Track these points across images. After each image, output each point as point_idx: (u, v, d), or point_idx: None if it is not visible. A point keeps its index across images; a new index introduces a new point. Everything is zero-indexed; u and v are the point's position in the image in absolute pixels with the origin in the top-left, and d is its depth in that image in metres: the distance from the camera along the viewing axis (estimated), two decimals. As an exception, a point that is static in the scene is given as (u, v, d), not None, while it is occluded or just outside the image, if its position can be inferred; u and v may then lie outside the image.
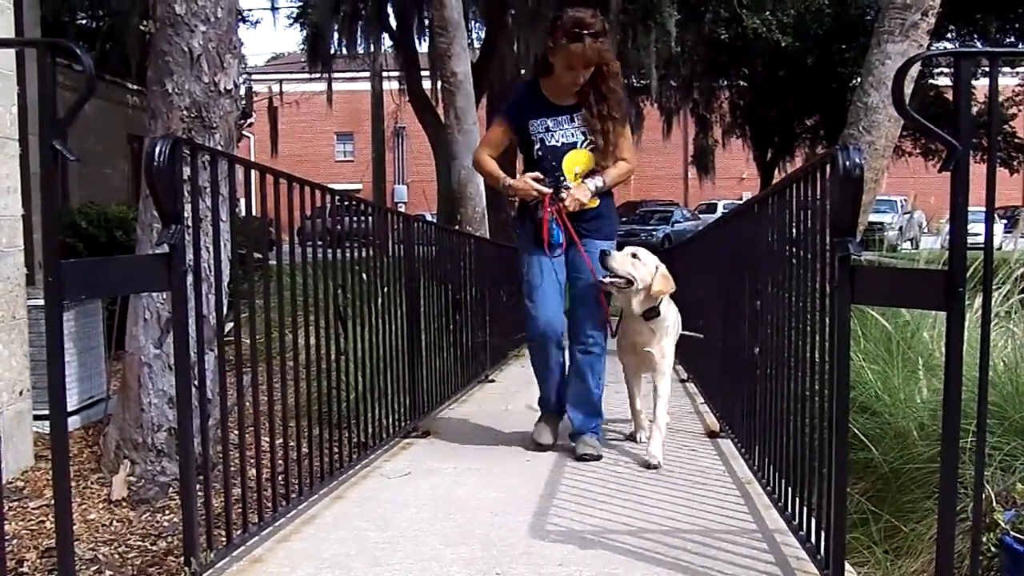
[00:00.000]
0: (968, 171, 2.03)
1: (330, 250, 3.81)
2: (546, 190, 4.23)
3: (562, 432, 4.54)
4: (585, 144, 4.31)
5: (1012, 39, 19.31)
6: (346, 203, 4.23)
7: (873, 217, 9.66)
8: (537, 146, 4.33)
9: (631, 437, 4.72)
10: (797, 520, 2.86)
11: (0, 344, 4.40)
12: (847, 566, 2.50)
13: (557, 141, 4.31)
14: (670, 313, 4.37)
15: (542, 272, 4.33)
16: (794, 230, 2.97)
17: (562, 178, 4.28)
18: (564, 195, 4.22)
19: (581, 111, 4.30)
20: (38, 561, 3.57)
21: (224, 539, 2.79)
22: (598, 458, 4.22)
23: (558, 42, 4.14)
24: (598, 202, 4.35)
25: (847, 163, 2.27)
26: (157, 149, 2.30)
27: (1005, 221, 17.31)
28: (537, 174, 4.29)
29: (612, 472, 3.99)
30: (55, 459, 2.11)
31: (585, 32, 4.08)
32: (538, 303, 4.33)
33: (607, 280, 4.12)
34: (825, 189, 2.53)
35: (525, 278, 4.40)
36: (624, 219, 33.50)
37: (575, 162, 4.32)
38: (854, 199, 2.31)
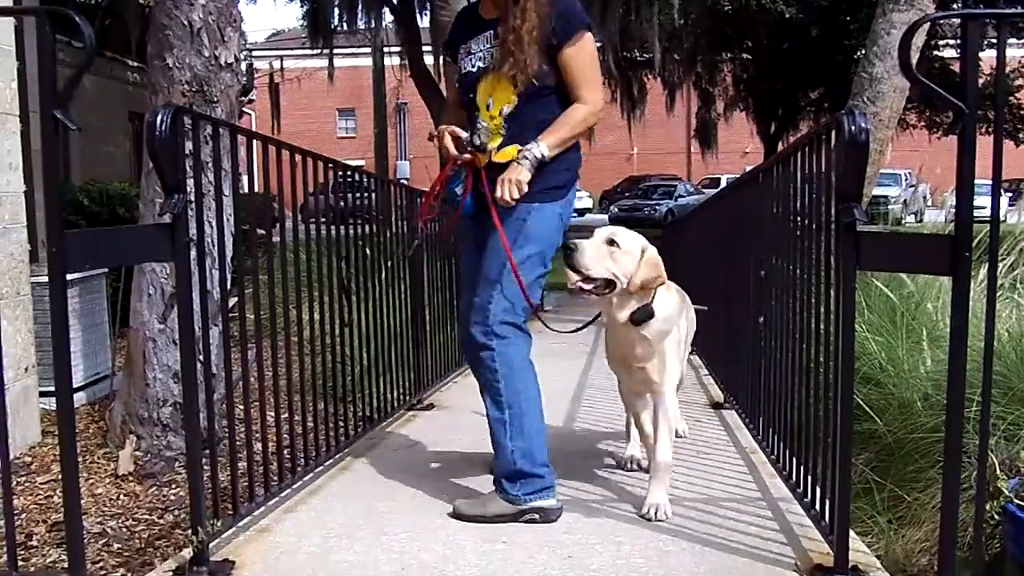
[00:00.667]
0: (975, 135, 2.01)
1: (334, 224, 3.80)
2: (454, 152, 3.15)
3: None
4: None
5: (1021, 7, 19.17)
6: (350, 175, 4.22)
7: (877, 191, 9.64)
8: (468, 79, 3.21)
9: (622, 464, 3.67)
10: (802, 488, 2.87)
11: (5, 320, 4.40)
12: (851, 533, 2.50)
13: (473, 65, 3.19)
14: (668, 306, 3.15)
15: (466, 261, 3.35)
16: (799, 198, 2.96)
17: (479, 124, 3.14)
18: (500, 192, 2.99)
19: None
20: (47, 535, 3.59)
21: (231, 510, 2.80)
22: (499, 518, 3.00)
23: None
24: (517, 151, 3.04)
25: (852, 128, 2.25)
26: (159, 118, 2.30)
27: (1011, 194, 17.27)
28: (454, 128, 3.18)
29: (617, 442, 4.00)
30: (62, 428, 2.12)
31: None
32: (464, 299, 3.29)
33: (580, 287, 2.99)
34: (830, 156, 2.52)
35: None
36: (627, 194, 33.51)
37: (487, 92, 3.14)
38: (859, 165, 2.30)
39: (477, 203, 3.14)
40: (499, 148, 3.10)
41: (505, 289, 3.01)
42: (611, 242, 3.01)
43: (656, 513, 2.97)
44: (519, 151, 3.01)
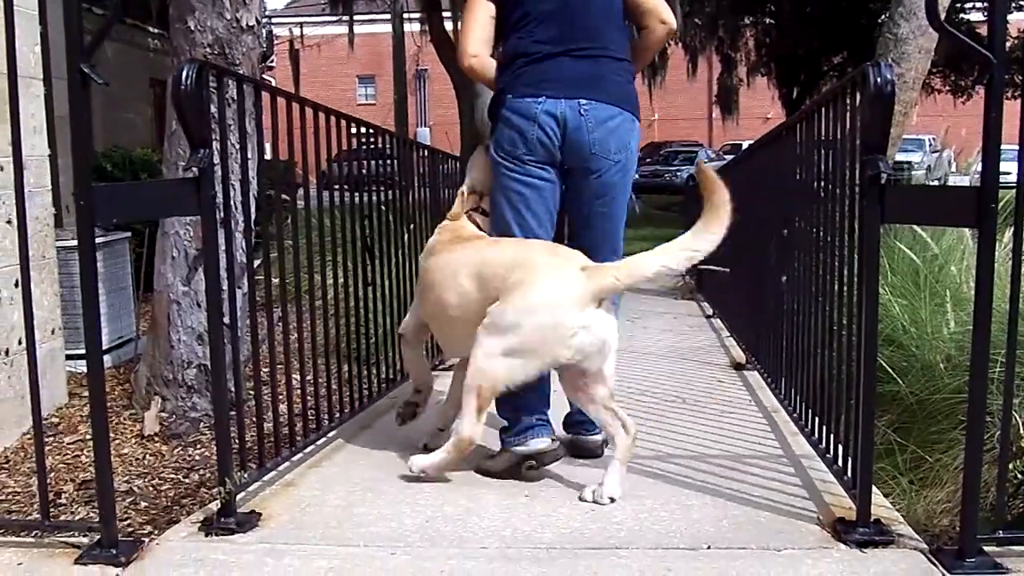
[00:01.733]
0: (1003, 85, 2.00)
1: (357, 187, 3.81)
2: None
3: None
4: None
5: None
6: (372, 134, 4.21)
7: (901, 156, 9.55)
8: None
9: None
10: (824, 445, 2.87)
11: (32, 284, 4.44)
12: (873, 488, 2.51)
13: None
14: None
15: None
16: (824, 152, 2.94)
17: None
18: None
19: None
20: (75, 493, 3.65)
21: (256, 465, 2.84)
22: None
23: None
24: None
25: (878, 79, 2.23)
26: (184, 73, 2.30)
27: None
28: None
29: (638, 402, 4.01)
30: (91, 378, 2.15)
31: None
32: None
33: None
34: (855, 108, 2.50)
35: None
36: (648, 160, 33.35)
37: None
38: (885, 117, 2.28)
39: None
40: None
41: None
42: None
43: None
44: None
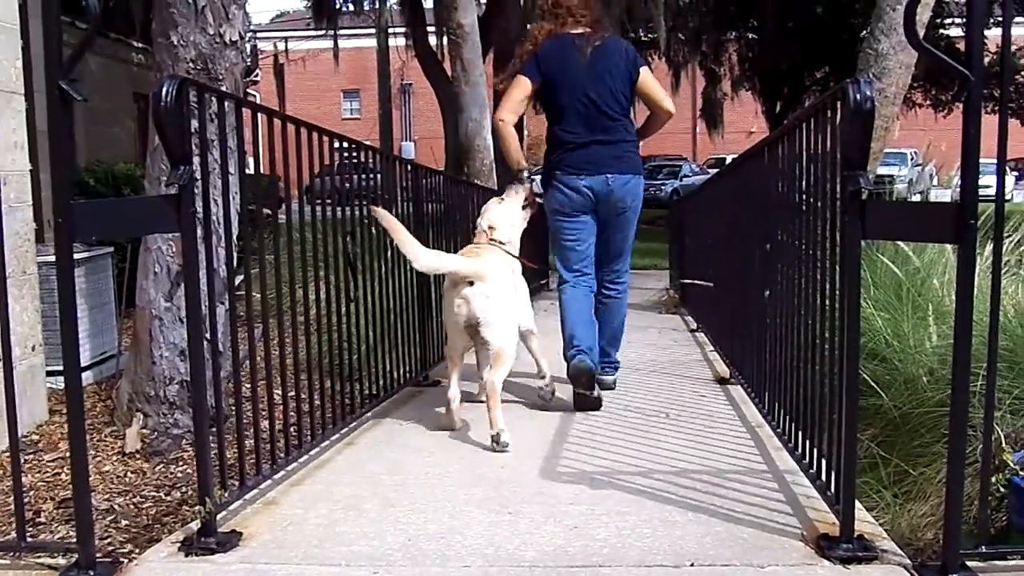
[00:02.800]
0: (980, 103, 2.01)
1: (340, 200, 3.80)
2: None
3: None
4: None
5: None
6: (355, 149, 4.20)
7: (883, 170, 9.59)
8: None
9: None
10: (807, 460, 2.87)
11: (11, 299, 4.40)
12: (856, 503, 2.51)
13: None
14: None
15: None
16: (804, 166, 2.95)
17: None
18: None
19: None
20: (55, 512, 3.61)
21: (238, 484, 2.82)
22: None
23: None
24: None
25: (858, 96, 2.24)
26: (164, 89, 2.29)
27: (1016, 173, 17.21)
28: None
29: (622, 418, 4.01)
30: (69, 396, 2.13)
31: None
32: None
33: None
34: (836, 124, 2.51)
35: None
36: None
37: None
38: (865, 133, 2.29)
39: None
40: None
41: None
42: None
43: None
44: None
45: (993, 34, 2.44)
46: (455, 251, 5.41)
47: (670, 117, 4.63)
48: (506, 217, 4.33)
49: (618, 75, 4.43)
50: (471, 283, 3.85)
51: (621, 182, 4.43)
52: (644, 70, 4.52)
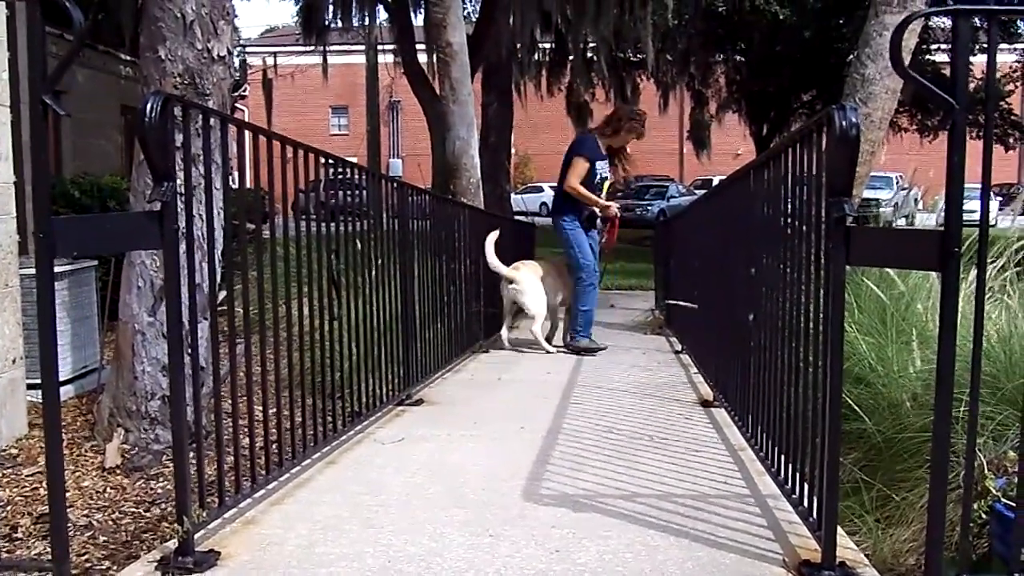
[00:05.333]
0: (965, 131, 2.02)
1: (325, 219, 3.79)
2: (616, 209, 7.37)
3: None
4: None
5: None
6: (341, 168, 4.20)
7: (868, 193, 9.64)
8: (597, 178, 7.02)
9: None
10: (790, 485, 2.87)
11: (-8, 311, 4.38)
12: (839, 529, 2.51)
13: (606, 175, 7.15)
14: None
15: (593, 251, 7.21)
16: (790, 191, 2.96)
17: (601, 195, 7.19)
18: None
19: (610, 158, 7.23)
20: (32, 527, 3.58)
21: (217, 503, 2.79)
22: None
23: (633, 127, 7.13)
24: None
25: (843, 123, 2.25)
26: (149, 105, 2.28)
27: (1000, 198, 17.29)
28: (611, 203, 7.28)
29: (605, 440, 4.00)
30: (47, 410, 2.11)
31: (643, 124, 7.18)
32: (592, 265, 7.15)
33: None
34: (821, 150, 2.52)
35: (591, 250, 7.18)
36: (619, 194, 33.46)
37: (605, 188, 7.21)
38: (850, 159, 2.30)
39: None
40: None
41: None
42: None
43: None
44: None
45: (979, 60, 2.46)
46: (441, 267, 5.52)
47: (569, 189, 6.99)
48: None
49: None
50: (511, 281, 6.97)
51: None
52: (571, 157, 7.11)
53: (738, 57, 24.61)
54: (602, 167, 7.05)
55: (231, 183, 3.14)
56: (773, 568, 2.51)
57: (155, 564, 2.53)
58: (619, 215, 7.38)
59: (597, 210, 7.17)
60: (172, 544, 2.57)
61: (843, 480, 3.70)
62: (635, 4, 17.78)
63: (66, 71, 2.01)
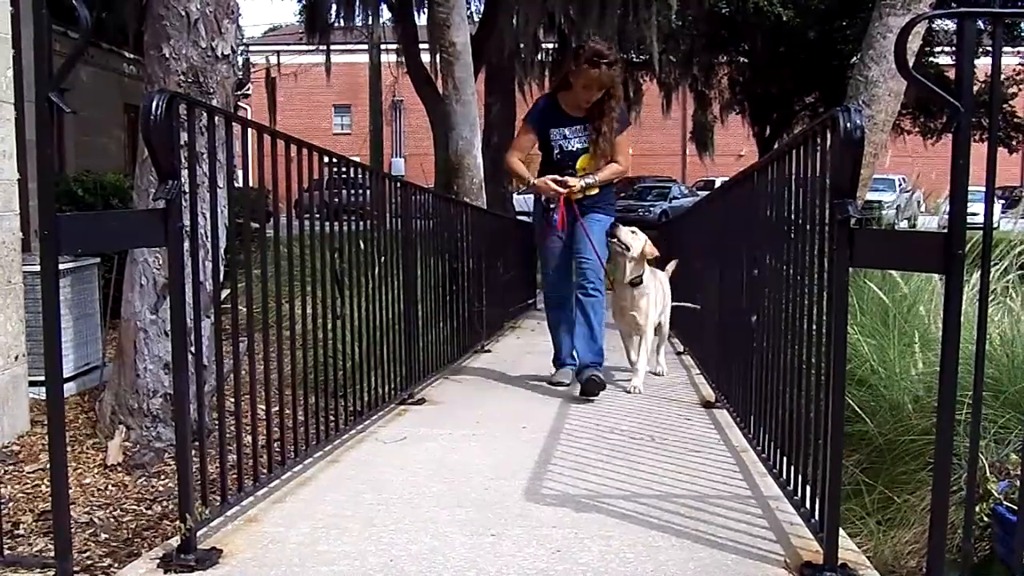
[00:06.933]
0: (969, 133, 2.01)
1: (328, 218, 3.79)
2: (562, 191, 5.20)
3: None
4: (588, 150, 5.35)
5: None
6: (344, 167, 4.20)
7: (871, 195, 9.65)
8: (556, 150, 5.33)
9: (629, 390, 5.25)
10: (792, 486, 2.87)
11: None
12: (840, 531, 2.51)
13: (573, 147, 5.33)
14: (651, 285, 5.39)
15: (555, 252, 5.39)
16: (793, 193, 2.96)
17: (575, 175, 5.29)
18: (572, 184, 5.21)
19: (588, 123, 5.28)
20: (34, 524, 3.58)
21: (219, 501, 2.79)
22: (603, 387, 4.98)
23: (580, 66, 5.02)
24: (597, 191, 5.36)
25: (848, 124, 2.25)
26: (154, 103, 2.28)
27: (1004, 201, 17.30)
28: (555, 176, 5.24)
29: (607, 440, 3.99)
30: (51, 408, 2.11)
31: (602, 61, 4.96)
32: (552, 274, 5.49)
33: (613, 241, 5.20)
34: (825, 151, 2.52)
35: (544, 256, 5.57)
36: (622, 195, 33.48)
37: (584, 162, 5.34)
38: (855, 161, 2.30)
39: (569, 218, 5.27)
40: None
41: (599, 267, 5.21)
42: (632, 231, 5.28)
43: (635, 390, 5.18)
44: (583, 175, 5.29)
45: (983, 63, 2.46)
46: (444, 267, 5.49)
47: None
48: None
49: None
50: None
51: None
52: None
53: (741, 59, 24.64)
54: (564, 135, 5.30)
55: (235, 181, 3.14)
56: (775, 569, 2.51)
57: (157, 561, 2.53)
58: (575, 192, 5.20)
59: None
60: (174, 541, 2.58)
61: (845, 482, 3.70)
62: (639, 5, 17.79)
63: (72, 68, 2.01)
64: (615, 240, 5.20)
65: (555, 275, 5.49)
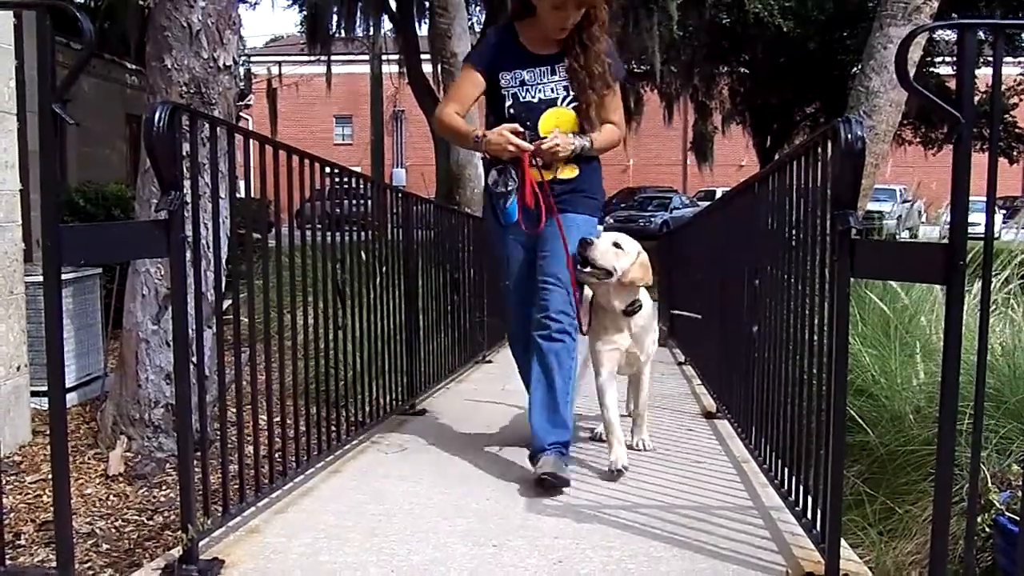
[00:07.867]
0: (970, 144, 2.02)
1: (329, 228, 3.80)
2: (526, 145, 3.48)
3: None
4: (567, 101, 3.62)
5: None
6: (346, 177, 4.20)
7: (872, 206, 9.67)
8: (509, 102, 3.63)
9: (596, 437, 4.15)
10: (793, 497, 2.87)
11: (-3, 318, 4.39)
12: (842, 542, 2.50)
13: (534, 96, 3.61)
14: (649, 303, 3.81)
15: (515, 259, 3.75)
16: (794, 203, 2.96)
17: (537, 136, 3.58)
18: (545, 144, 3.50)
19: (564, 62, 3.61)
20: (35, 534, 3.59)
21: (221, 511, 2.79)
22: (565, 483, 3.34)
23: None
24: (576, 171, 3.66)
25: (849, 136, 2.26)
26: (156, 115, 2.29)
27: (1004, 211, 17.31)
28: (515, 126, 3.53)
29: (607, 450, 3.98)
30: (53, 418, 2.11)
31: None
32: (514, 295, 3.80)
33: (586, 271, 3.53)
34: (826, 162, 2.52)
35: (499, 267, 3.92)
36: (622, 205, 33.53)
37: (554, 122, 3.59)
38: (856, 172, 2.30)
39: (536, 211, 3.55)
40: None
41: (569, 293, 3.53)
42: (616, 244, 3.61)
43: (641, 445, 3.98)
44: (574, 134, 3.60)
45: (983, 73, 2.46)
46: (445, 278, 5.52)
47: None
48: None
49: None
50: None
51: None
52: None
53: (742, 69, 24.68)
54: (522, 80, 3.62)
55: (237, 192, 3.15)
56: (777, 580, 2.51)
57: (159, 572, 2.53)
58: (553, 154, 3.52)
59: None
60: (176, 552, 2.58)
61: (846, 493, 3.69)
62: (640, 15, 17.84)
63: (76, 80, 2.02)
64: (589, 270, 3.54)
65: (518, 296, 3.77)
